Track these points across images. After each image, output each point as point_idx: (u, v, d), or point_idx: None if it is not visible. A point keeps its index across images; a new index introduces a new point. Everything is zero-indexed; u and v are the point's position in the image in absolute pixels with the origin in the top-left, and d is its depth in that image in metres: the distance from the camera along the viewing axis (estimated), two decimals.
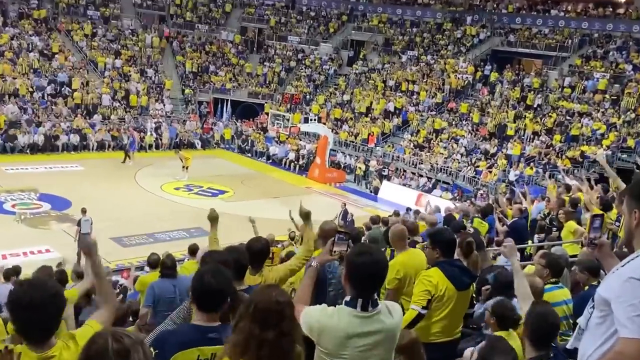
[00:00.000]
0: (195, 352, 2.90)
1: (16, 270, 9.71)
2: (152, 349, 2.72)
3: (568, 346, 3.57)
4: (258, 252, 4.62)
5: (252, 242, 4.62)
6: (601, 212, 7.27)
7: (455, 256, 6.02)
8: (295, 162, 30.61)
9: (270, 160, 31.62)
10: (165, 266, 6.86)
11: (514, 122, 29.35)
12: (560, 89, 30.78)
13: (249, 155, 32.79)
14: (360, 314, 2.85)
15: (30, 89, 30.85)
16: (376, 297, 2.93)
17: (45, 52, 34.00)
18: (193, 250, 9.83)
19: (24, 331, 2.59)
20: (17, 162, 25.48)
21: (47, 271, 7.66)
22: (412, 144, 30.39)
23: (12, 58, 32.03)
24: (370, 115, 33.78)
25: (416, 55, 37.62)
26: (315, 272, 3.37)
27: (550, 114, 28.98)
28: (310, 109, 35.01)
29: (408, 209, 16.69)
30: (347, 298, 2.91)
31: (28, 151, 27.18)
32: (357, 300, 2.86)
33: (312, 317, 2.85)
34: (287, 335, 2.51)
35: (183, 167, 25.71)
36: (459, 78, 34.05)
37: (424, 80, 35.07)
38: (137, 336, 2.08)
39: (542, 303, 3.39)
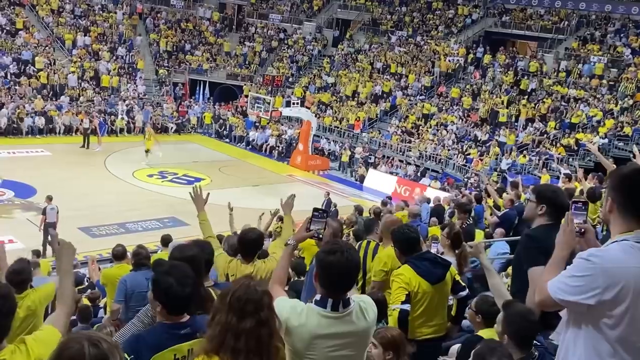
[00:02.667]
0: (170, 352, 2.93)
1: None
2: (126, 355, 2.73)
3: (551, 336, 3.64)
4: (252, 242, 4.74)
5: (246, 232, 4.71)
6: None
7: (442, 249, 6.10)
8: (277, 149, 30.54)
9: (250, 146, 31.52)
10: (141, 256, 6.78)
11: (507, 107, 29.52)
12: (555, 73, 31.00)
13: (227, 140, 32.64)
14: (329, 314, 2.86)
15: None
16: (348, 296, 2.93)
17: (8, 28, 33.40)
18: (166, 241, 9.78)
19: None
20: None
21: (22, 264, 7.54)
22: (400, 130, 30.45)
23: None
24: (356, 99, 33.76)
25: (405, 35, 37.60)
26: (292, 250, 3.47)
27: (544, 99, 29.20)
28: (292, 92, 34.90)
29: (389, 198, 16.73)
30: (317, 297, 2.91)
31: None
32: (327, 300, 2.87)
33: (282, 312, 2.85)
34: (264, 325, 2.51)
35: (146, 151, 25.53)
36: (449, 61, 34.12)
37: (413, 63, 35.10)
38: (113, 341, 2.07)
39: (519, 302, 3.43)
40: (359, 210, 11.81)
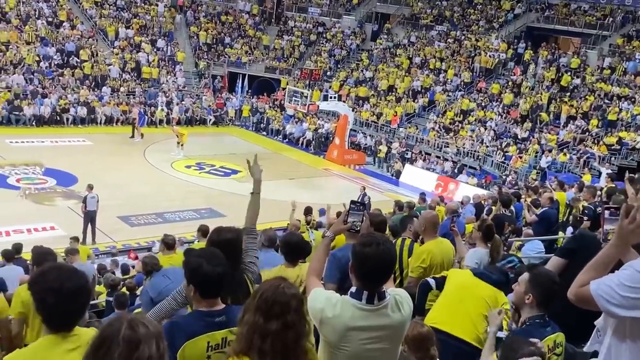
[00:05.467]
0: (204, 339, 2.96)
1: (17, 249, 9.83)
2: None
3: (586, 349, 3.59)
4: (294, 245, 4.75)
5: (289, 236, 4.73)
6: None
7: (473, 240, 6.06)
8: (313, 142, 30.56)
9: (287, 140, 31.62)
10: (148, 265, 6.61)
11: (548, 104, 28.94)
12: (599, 70, 30.26)
13: (264, 133, 32.80)
14: (364, 306, 2.85)
15: (37, 58, 31.06)
16: (384, 289, 2.92)
17: (52, 19, 34.15)
18: (204, 232, 9.84)
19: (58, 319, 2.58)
20: (22, 134, 25.79)
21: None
22: (437, 126, 30.16)
23: (18, 25, 32.24)
24: (394, 94, 33.55)
25: (445, 30, 37.17)
26: (329, 242, 3.44)
27: (587, 96, 28.53)
28: (330, 86, 34.86)
29: (422, 194, 16.56)
30: (353, 289, 2.91)
31: (34, 123, 27.45)
32: (363, 293, 2.86)
33: (316, 303, 2.86)
34: (292, 328, 2.48)
35: (178, 143, 25.80)
36: (490, 56, 33.61)
37: (453, 58, 34.69)
38: (156, 328, 2.06)
39: (539, 266, 3.60)
40: (399, 205, 11.71)
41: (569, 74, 30.37)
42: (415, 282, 5.28)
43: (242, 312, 2.57)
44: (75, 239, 13.15)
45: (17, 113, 27.22)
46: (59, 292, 2.49)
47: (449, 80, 33.27)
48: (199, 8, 40.79)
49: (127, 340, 1.95)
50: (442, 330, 4.19)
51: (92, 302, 7.97)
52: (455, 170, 26.54)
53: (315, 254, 3.41)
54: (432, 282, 4.74)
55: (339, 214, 3.54)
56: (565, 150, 25.42)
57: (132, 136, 27.72)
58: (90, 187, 15.89)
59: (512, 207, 10.42)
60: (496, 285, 4.53)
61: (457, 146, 28.16)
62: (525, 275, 3.65)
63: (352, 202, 3.47)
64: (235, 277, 3.49)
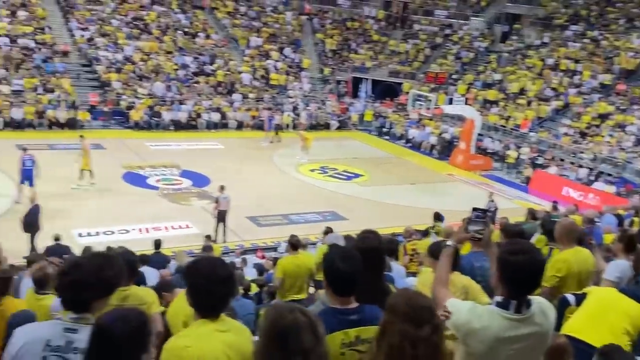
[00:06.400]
0: (339, 336, 3.01)
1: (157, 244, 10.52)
2: None
3: None
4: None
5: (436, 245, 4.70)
6: None
7: (614, 252, 5.70)
8: (437, 147, 30.09)
9: (410, 144, 31.37)
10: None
11: None
12: None
13: (387, 138, 32.76)
14: (513, 316, 2.79)
15: (175, 67, 33.13)
16: (529, 297, 2.85)
17: (189, 30, 36.29)
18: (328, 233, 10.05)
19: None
20: (161, 138, 27.55)
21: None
22: (572, 130, 28.60)
23: (159, 36, 34.58)
24: (524, 97, 32.26)
25: (581, 30, 35.21)
26: (453, 251, 3.38)
27: None
28: (456, 89, 34.19)
29: (555, 202, 15.75)
30: (499, 299, 2.85)
31: (172, 128, 29.29)
32: (511, 302, 2.80)
33: (460, 315, 2.83)
34: (439, 331, 2.52)
35: (303, 147, 26.35)
36: (631, 57, 31.38)
37: (589, 59, 32.77)
38: (313, 315, 2.31)
39: None
40: (532, 214, 11.24)
41: None
42: (549, 291, 5.06)
43: (380, 329, 2.60)
44: (209, 237, 13.89)
45: (157, 119, 29.19)
46: (210, 278, 2.75)
47: (585, 83, 31.45)
48: (325, 15, 41.59)
49: (307, 326, 2.17)
50: (580, 339, 4.01)
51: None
52: (591, 178, 25.02)
53: (439, 264, 3.37)
54: (571, 298, 4.53)
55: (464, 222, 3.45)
56: None
57: (272, 141, 28.68)
58: (222, 188, 16.63)
59: None
60: None
61: (593, 152, 26.54)
62: None
63: (474, 209, 3.37)
64: (378, 285, 3.51)
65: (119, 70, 31.03)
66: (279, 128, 29.71)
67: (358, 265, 3.11)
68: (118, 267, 2.95)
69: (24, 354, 2.69)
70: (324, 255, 3.24)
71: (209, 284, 2.76)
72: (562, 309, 4.50)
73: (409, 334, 2.48)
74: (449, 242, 3.43)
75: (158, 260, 10.79)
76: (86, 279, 2.76)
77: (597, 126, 28.22)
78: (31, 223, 13.77)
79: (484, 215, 3.34)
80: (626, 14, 34.95)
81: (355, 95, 37.11)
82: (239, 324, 3.01)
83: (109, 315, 2.47)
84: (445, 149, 29.66)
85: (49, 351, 2.69)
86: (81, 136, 20.02)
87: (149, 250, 11.61)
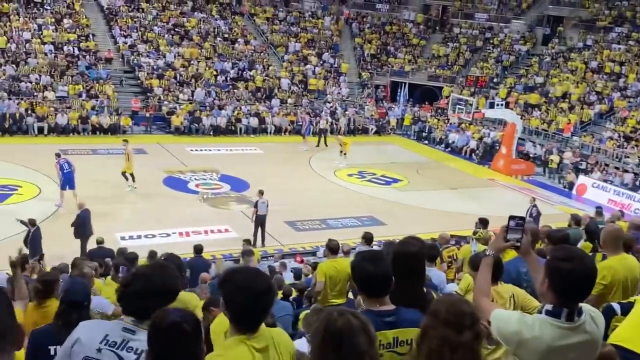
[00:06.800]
0: (376, 338, 2.99)
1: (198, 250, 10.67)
2: None
3: None
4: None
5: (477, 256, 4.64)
6: None
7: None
8: (477, 151, 29.71)
9: (450, 149, 31.06)
10: None
11: None
12: None
13: (426, 142, 32.51)
14: (565, 324, 2.73)
15: (215, 73, 33.55)
16: (580, 305, 2.80)
17: (228, 36, 36.72)
18: (368, 239, 10.03)
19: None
20: (201, 143, 27.91)
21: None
22: (616, 135, 27.91)
23: (199, 42, 35.08)
24: (567, 100, 31.63)
25: (626, 32, 34.36)
26: (492, 261, 3.32)
27: None
28: (496, 93, 33.74)
29: (599, 208, 15.35)
30: (549, 307, 2.79)
31: (211, 133, 29.65)
32: (562, 310, 2.74)
33: (509, 325, 2.78)
34: (480, 339, 2.51)
35: (341, 152, 26.38)
36: None
37: (635, 61, 31.95)
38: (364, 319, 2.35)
39: None
40: (575, 219, 10.99)
41: None
42: (594, 299, 4.92)
43: (421, 332, 2.59)
44: (247, 241, 13.98)
45: (197, 124, 29.59)
46: (248, 291, 2.66)
47: (630, 86, 30.68)
48: (364, 19, 41.56)
49: (359, 328, 2.21)
50: (628, 348, 3.90)
51: None
52: (637, 183, 24.36)
53: (479, 274, 3.31)
54: (617, 307, 4.41)
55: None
56: None
57: (318, 145, 28.78)
58: (261, 193, 16.70)
59: None
60: None
61: (638, 157, 25.82)
62: None
63: (511, 217, 3.29)
64: (417, 291, 3.49)
65: (160, 77, 31.59)
66: (324, 133, 29.74)
67: (386, 266, 3.15)
68: (176, 275, 3.10)
69: (83, 343, 2.85)
70: (352, 261, 3.28)
71: (246, 297, 2.65)
72: (609, 318, 4.37)
73: (449, 339, 2.47)
74: (487, 252, 3.37)
75: (199, 264, 10.95)
76: (150, 289, 2.88)
77: None
78: (81, 228, 14.05)
79: (522, 223, 3.28)
80: None
81: (393, 99, 36.96)
82: (278, 333, 2.94)
83: (173, 312, 2.52)
84: (486, 154, 29.27)
85: (104, 345, 2.83)
86: (125, 141, 20.45)
87: (189, 254, 11.77)
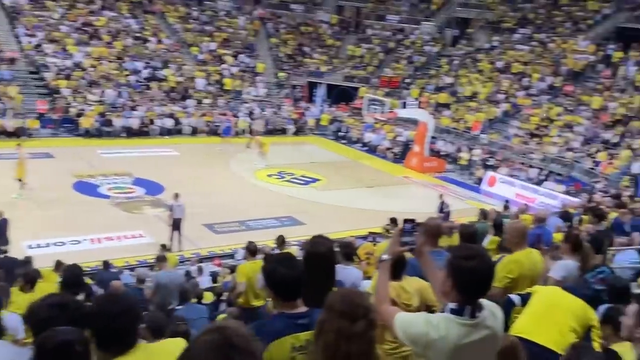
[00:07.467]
0: (289, 340, 2.99)
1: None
2: None
3: None
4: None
5: None
6: None
7: (561, 253, 5.84)
8: (392, 150, 30.38)
9: (366, 148, 31.59)
10: None
11: None
12: None
13: (344, 142, 32.92)
14: (469, 322, 2.78)
15: (126, 73, 32.57)
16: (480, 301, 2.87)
17: (140, 35, 35.73)
18: (280, 241, 10.01)
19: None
20: (113, 145, 26.99)
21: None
22: (522, 132, 29.29)
23: (109, 41, 33.93)
24: (475, 99, 32.89)
25: (529, 33, 36.12)
26: (389, 266, 3.28)
27: None
28: (409, 93, 34.61)
29: (507, 202, 16.13)
30: (453, 305, 2.82)
31: (123, 135, 28.74)
32: (466, 308, 2.78)
33: (415, 327, 2.79)
34: (374, 328, 2.53)
35: (260, 152, 26.32)
36: (577, 59, 32.35)
37: (537, 62, 33.63)
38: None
39: None
40: (483, 214, 11.42)
41: None
42: (501, 292, 5.12)
43: (317, 327, 2.59)
44: (164, 246, 13.65)
45: (107, 126, 28.57)
46: (103, 315, 2.66)
47: (534, 85, 32.27)
48: (279, 20, 41.56)
49: (237, 347, 2.03)
50: (529, 339, 4.07)
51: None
52: (541, 178, 25.67)
53: (378, 280, 3.27)
54: (516, 298, 4.60)
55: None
56: None
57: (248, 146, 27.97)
58: (176, 196, 16.38)
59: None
60: (587, 300, 4.35)
61: (543, 152, 27.24)
62: (634, 307, 3.40)
63: (405, 220, 3.34)
64: (329, 290, 3.49)
65: (68, 77, 30.32)
66: (241, 132, 29.28)
67: (300, 268, 3.12)
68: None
69: None
70: (264, 265, 3.22)
71: (102, 322, 2.66)
72: (509, 310, 4.56)
73: (344, 330, 2.49)
74: (384, 257, 3.32)
75: (108, 277, 10.58)
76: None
77: (546, 127, 28.96)
78: None
79: (415, 226, 3.31)
80: (572, 17, 36.01)
81: (311, 99, 37.18)
82: (157, 349, 2.91)
83: (63, 332, 2.47)
84: (402, 152, 29.98)
85: None
86: (18, 145, 19.50)
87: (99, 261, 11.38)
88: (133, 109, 30.07)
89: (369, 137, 31.93)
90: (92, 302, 2.82)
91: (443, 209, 18.53)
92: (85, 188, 20.72)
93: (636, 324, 3.26)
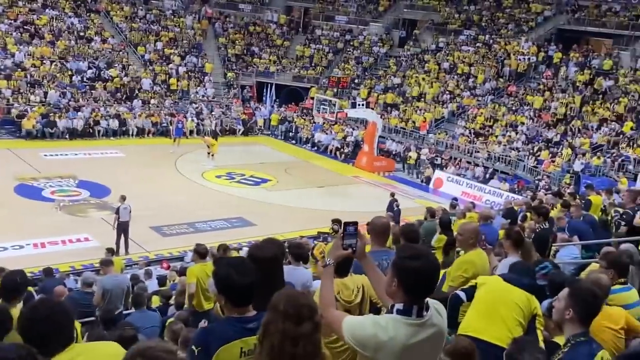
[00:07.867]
0: (238, 345, 2.96)
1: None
2: (194, 347, 2.91)
3: None
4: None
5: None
6: None
7: (505, 250, 5.97)
8: (341, 150, 30.54)
9: (316, 148, 31.65)
10: None
11: (581, 107, 28.48)
12: (632, 72, 29.68)
13: (294, 142, 32.90)
14: (416, 321, 2.78)
15: (70, 73, 31.70)
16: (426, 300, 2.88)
17: (84, 34, 34.85)
18: (202, 254, 9.75)
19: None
20: (56, 147, 26.25)
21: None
22: (467, 131, 29.90)
23: (51, 40, 32.97)
24: (422, 100, 33.38)
25: (473, 35, 36.90)
26: (333, 270, 3.26)
27: (620, 98, 27.99)
28: (358, 93, 34.86)
29: (454, 200, 16.42)
30: (400, 306, 2.81)
31: (67, 137, 27.96)
32: (412, 307, 2.79)
33: (364, 331, 2.77)
34: (319, 329, 2.54)
35: (208, 153, 26.07)
36: (520, 60, 33.23)
37: (482, 62, 34.40)
38: (169, 349, 2.27)
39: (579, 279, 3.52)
40: (430, 212, 11.57)
41: (601, 76, 29.82)
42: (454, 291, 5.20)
43: (262, 329, 2.57)
44: (110, 250, 13.34)
45: (50, 127, 27.73)
46: (24, 321, 2.89)
47: (479, 85, 32.99)
48: (227, 19, 41.21)
49: None
50: (478, 338, 4.12)
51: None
52: (487, 176, 26.26)
53: (322, 285, 3.23)
54: (462, 294, 4.63)
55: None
56: (599, 153, 24.96)
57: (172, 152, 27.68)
58: (122, 198, 16.07)
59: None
60: (528, 289, 4.44)
61: (488, 151, 27.87)
62: (565, 291, 3.51)
63: (346, 223, 3.34)
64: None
65: (8, 77, 29.32)
66: (189, 133, 28.92)
67: (253, 273, 3.07)
68: None
69: None
70: (216, 270, 3.14)
71: (24, 328, 2.88)
72: (457, 306, 4.62)
73: (289, 332, 2.48)
74: (327, 261, 3.30)
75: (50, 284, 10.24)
76: None
77: (491, 126, 29.64)
78: None
79: (356, 228, 3.32)
80: (514, 19, 36.98)
81: (260, 99, 37.02)
82: (89, 349, 3.08)
83: (7, 349, 2.55)
84: (352, 152, 30.15)
85: None
86: None
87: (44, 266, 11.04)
88: (77, 109, 29.28)
89: (318, 137, 32.00)
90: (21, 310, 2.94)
91: (393, 208, 18.71)
92: (28, 191, 20.09)
93: (566, 306, 3.38)
